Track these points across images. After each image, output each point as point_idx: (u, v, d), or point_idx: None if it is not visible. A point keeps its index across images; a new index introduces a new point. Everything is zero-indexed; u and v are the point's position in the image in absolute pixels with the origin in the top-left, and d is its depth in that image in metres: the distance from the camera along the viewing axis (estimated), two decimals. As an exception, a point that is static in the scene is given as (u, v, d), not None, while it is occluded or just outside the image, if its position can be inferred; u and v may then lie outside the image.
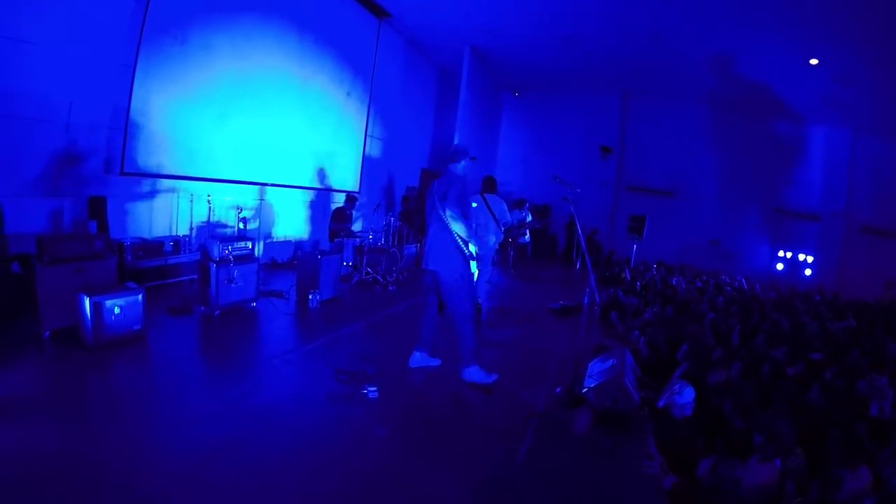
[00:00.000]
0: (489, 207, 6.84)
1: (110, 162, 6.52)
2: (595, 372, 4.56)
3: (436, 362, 4.96)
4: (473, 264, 4.59)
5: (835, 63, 10.90)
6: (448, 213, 4.40)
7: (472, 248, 4.52)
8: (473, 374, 4.64)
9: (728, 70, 12.58)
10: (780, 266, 15.68)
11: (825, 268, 15.22)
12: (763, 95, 13.83)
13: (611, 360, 4.67)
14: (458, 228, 4.44)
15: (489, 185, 7.20)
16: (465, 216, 4.47)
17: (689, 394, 4.05)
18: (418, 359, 4.93)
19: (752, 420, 3.70)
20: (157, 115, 6.88)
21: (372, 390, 4.15)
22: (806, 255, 15.39)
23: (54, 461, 2.80)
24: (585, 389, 4.34)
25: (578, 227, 4.56)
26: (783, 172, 15.61)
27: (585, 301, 4.36)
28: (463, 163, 4.72)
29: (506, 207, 7.03)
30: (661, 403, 4.21)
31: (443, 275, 4.60)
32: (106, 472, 2.77)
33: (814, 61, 11.03)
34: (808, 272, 15.24)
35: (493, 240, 6.91)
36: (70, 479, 2.67)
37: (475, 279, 4.84)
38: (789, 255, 15.64)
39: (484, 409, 4.28)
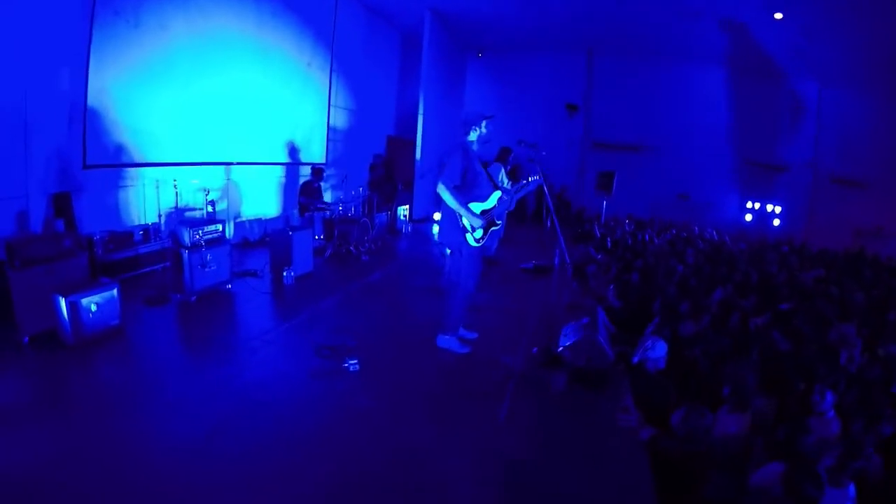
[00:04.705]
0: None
1: (72, 156, 6.28)
2: (569, 331, 4.66)
3: (472, 335, 5.00)
4: (470, 237, 4.41)
5: (800, 17, 10.92)
6: (439, 185, 4.30)
7: (466, 222, 4.36)
8: (449, 342, 4.74)
9: (694, 25, 12.53)
10: (748, 217, 15.98)
11: (794, 218, 15.59)
12: (731, 49, 13.90)
13: (584, 319, 4.77)
14: (448, 200, 4.32)
15: (502, 155, 7.39)
16: (458, 188, 4.32)
17: (661, 348, 4.19)
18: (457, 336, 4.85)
19: (720, 370, 3.86)
20: (115, 104, 6.63)
21: (353, 363, 4.21)
22: (774, 206, 15.65)
23: (50, 465, 2.78)
24: (561, 348, 4.44)
25: (546, 188, 4.59)
26: (751, 125, 15.76)
27: (556, 262, 4.43)
28: (475, 132, 4.45)
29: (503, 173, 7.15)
30: (635, 359, 4.36)
31: (449, 247, 4.63)
32: (102, 469, 2.78)
33: (778, 15, 11.06)
34: (776, 222, 15.57)
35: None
36: (68, 481, 2.66)
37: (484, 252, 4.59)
38: (757, 205, 15.92)
39: (465, 373, 4.39)
